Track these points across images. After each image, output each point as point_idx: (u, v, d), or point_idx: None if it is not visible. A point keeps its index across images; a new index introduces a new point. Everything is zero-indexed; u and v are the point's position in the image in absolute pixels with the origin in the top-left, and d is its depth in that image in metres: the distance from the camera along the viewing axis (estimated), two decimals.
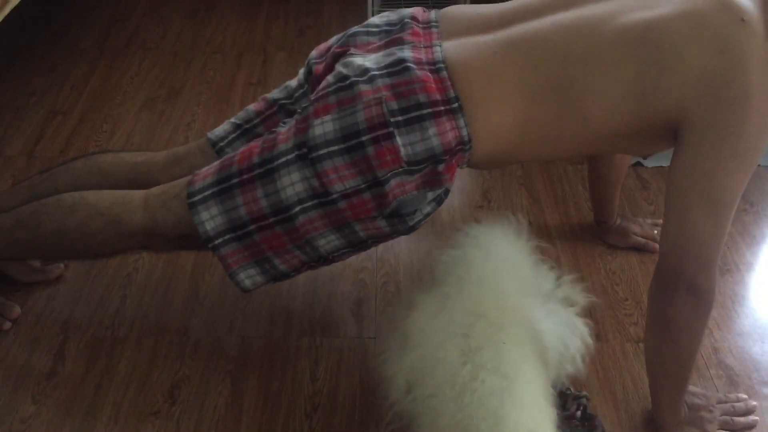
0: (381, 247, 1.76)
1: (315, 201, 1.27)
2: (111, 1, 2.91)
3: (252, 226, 1.31)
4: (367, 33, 1.38)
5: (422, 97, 1.22)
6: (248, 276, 1.37)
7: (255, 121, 1.51)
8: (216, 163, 1.37)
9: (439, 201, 1.31)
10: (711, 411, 1.37)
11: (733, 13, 1.17)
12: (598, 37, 1.21)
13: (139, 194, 1.42)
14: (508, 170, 1.99)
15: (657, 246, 1.75)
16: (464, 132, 1.23)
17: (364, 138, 1.22)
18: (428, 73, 1.23)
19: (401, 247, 1.77)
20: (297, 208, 1.28)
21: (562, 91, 1.22)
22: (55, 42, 2.62)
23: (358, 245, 1.36)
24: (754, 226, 1.86)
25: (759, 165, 2.03)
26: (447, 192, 1.31)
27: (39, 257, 1.63)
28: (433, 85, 1.22)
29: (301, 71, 1.50)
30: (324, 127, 1.24)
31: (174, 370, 1.48)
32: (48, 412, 1.40)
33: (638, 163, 2.03)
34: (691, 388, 1.39)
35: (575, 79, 1.21)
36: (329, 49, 1.41)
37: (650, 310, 1.28)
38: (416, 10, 1.40)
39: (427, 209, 1.31)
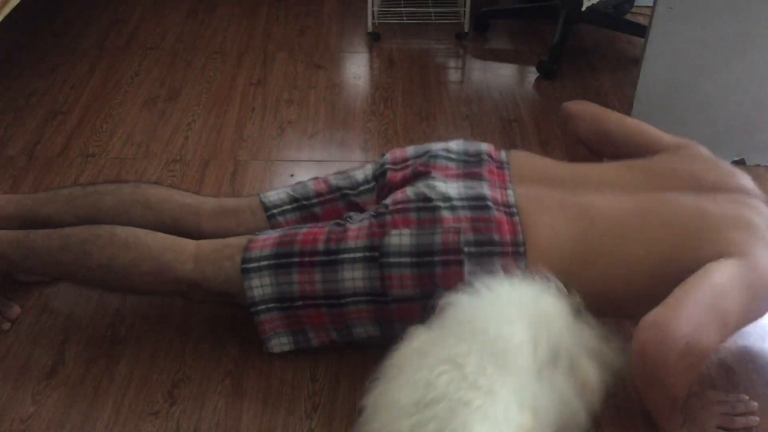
0: None
1: (369, 297, 1.39)
2: (111, 1, 2.91)
3: (300, 302, 1.41)
4: (447, 158, 1.50)
5: (496, 237, 1.35)
6: (279, 343, 1.47)
7: (313, 201, 1.57)
8: (274, 236, 1.44)
9: None
10: (711, 410, 1.37)
11: (763, 220, 1.36)
12: (651, 221, 1.36)
13: (190, 245, 1.46)
14: None
15: None
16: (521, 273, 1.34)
17: (436, 258, 1.34)
18: (503, 215, 1.37)
19: None
20: (350, 299, 1.39)
21: (613, 259, 1.34)
22: (55, 42, 2.62)
23: (390, 338, 1.42)
24: None
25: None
26: None
27: (76, 283, 1.61)
28: (507, 227, 1.36)
29: (370, 167, 1.59)
30: (401, 239, 1.36)
31: (174, 370, 1.48)
32: (48, 412, 1.40)
33: None
34: (693, 387, 1.39)
35: (628, 252, 1.34)
36: (406, 160, 1.53)
37: (639, 365, 1.27)
38: (490, 147, 1.54)
39: None
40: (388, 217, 1.39)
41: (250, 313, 1.44)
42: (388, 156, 1.57)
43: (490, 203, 1.38)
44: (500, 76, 2.51)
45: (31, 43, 2.60)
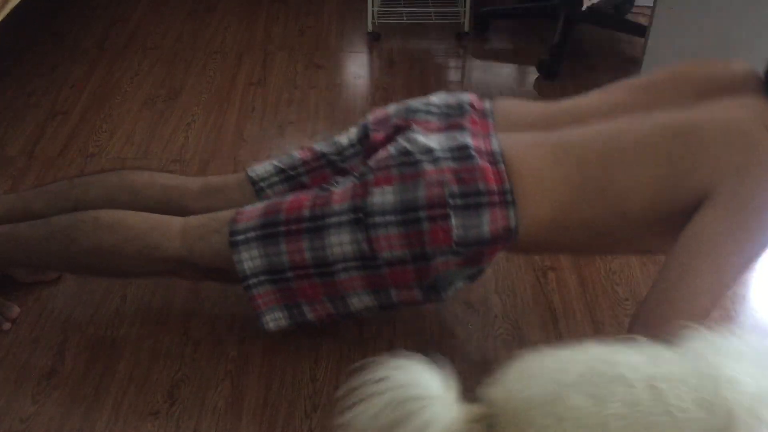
0: None
1: (359, 263, 1.34)
2: (111, 1, 2.91)
3: (291, 273, 1.37)
4: (428, 112, 1.45)
5: (482, 186, 1.30)
6: (274, 319, 1.42)
7: (300, 170, 1.54)
8: (261, 206, 1.41)
9: (472, 279, 1.39)
10: None
11: (759, 122, 1.25)
12: (636, 143, 1.29)
13: (177, 222, 1.44)
14: None
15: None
16: (513, 223, 1.30)
17: (421, 214, 1.30)
18: (488, 164, 1.32)
19: None
20: (340, 266, 1.35)
21: (603, 191, 1.30)
22: (55, 42, 2.62)
23: (388, 307, 1.42)
24: None
25: None
26: (482, 271, 1.38)
27: (66, 271, 1.62)
28: (492, 176, 1.30)
29: (353, 130, 1.55)
30: (384, 196, 1.31)
31: (174, 370, 1.48)
32: (48, 412, 1.40)
33: None
34: None
35: (615, 180, 1.29)
36: (388, 118, 1.48)
37: None
38: (473, 97, 1.49)
39: (460, 284, 1.39)
40: (370, 177, 1.34)
41: (243, 289, 1.41)
42: (370, 117, 1.53)
43: (473, 152, 1.32)
44: (500, 76, 2.51)
45: (31, 43, 2.60)
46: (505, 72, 2.54)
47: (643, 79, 1.44)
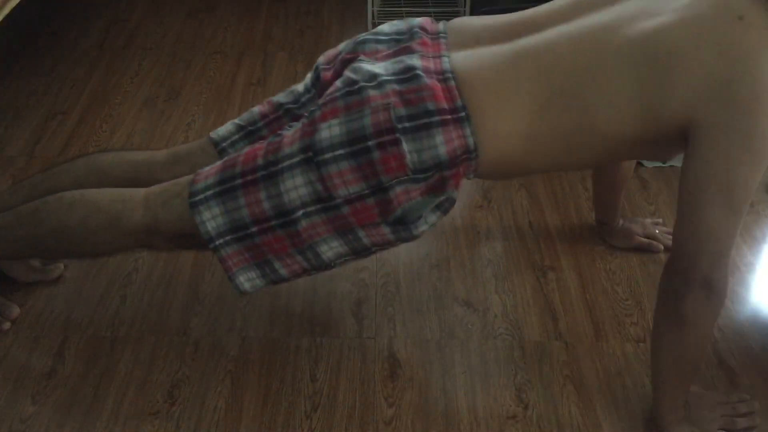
0: None
1: (318, 206, 1.28)
2: (111, 1, 2.91)
3: (254, 228, 1.32)
4: (377, 41, 1.38)
5: (430, 105, 1.23)
6: (248, 279, 1.37)
7: (259, 124, 1.51)
8: (218, 163, 1.37)
9: (444, 210, 1.32)
10: (712, 411, 1.37)
11: (730, 13, 1.17)
12: (601, 47, 1.22)
13: (139, 192, 1.42)
14: None
15: (659, 246, 1.76)
16: (470, 141, 1.24)
17: (370, 143, 1.23)
18: (437, 82, 1.25)
19: (401, 247, 1.77)
20: (300, 212, 1.29)
21: (567, 101, 1.23)
22: (55, 42, 2.62)
23: (362, 252, 1.36)
24: (755, 226, 1.86)
25: None
26: (452, 201, 1.32)
27: (41, 256, 1.63)
28: (441, 94, 1.24)
29: (309, 76, 1.50)
30: (331, 130, 1.25)
31: (174, 370, 1.48)
32: (48, 412, 1.40)
33: (639, 163, 2.03)
34: (693, 387, 1.39)
35: (580, 89, 1.23)
36: (338, 55, 1.42)
37: (661, 304, 1.27)
38: (425, 21, 1.41)
39: (432, 218, 1.32)
40: (317, 113, 1.28)
41: (211, 252, 1.37)
42: (322, 58, 1.48)
43: (419, 72, 1.25)
44: None
45: (31, 42, 2.60)
46: None
47: None
